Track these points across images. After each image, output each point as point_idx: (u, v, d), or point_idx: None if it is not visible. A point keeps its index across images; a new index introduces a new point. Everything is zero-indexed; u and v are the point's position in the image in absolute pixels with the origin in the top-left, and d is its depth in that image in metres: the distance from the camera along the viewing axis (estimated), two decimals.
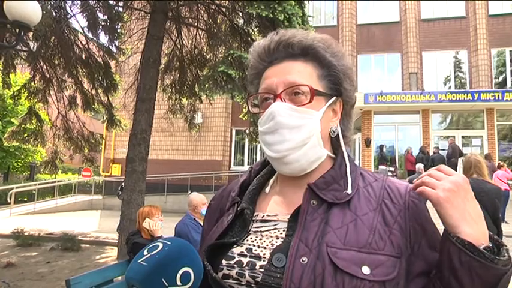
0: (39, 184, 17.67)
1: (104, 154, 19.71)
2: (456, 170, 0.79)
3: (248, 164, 18.64)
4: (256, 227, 0.85)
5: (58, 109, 9.92)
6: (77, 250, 8.46)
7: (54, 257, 7.90)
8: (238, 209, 0.88)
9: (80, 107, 9.94)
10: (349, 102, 0.93)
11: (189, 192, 4.62)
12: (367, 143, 16.16)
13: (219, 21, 8.60)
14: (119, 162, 18.45)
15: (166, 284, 0.69)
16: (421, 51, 17.44)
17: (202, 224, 4.18)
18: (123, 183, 7.39)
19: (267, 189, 0.93)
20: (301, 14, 6.96)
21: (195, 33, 9.35)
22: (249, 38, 7.83)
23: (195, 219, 4.22)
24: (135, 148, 6.99)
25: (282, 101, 0.84)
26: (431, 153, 14.26)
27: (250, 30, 7.75)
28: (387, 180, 0.87)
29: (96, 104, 9.83)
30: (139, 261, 0.72)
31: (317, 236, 0.75)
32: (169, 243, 0.74)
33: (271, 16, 6.26)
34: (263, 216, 0.86)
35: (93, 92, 9.72)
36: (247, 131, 9.52)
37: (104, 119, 10.09)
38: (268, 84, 0.87)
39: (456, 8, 17.47)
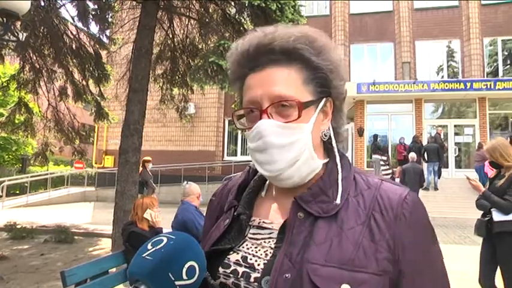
0: (31, 176, 17.51)
1: (97, 146, 19.59)
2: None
3: (241, 155, 18.65)
4: (252, 233, 0.83)
5: (48, 100, 9.79)
6: (71, 242, 8.43)
7: (47, 249, 7.86)
8: (235, 213, 0.86)
9: (71, 98, 9.83)
10: (339, 97, 0.86)
11: (185, 182, 4.66)
12: (360, 132, 16.21)
13: (211, 11, 8.51)
14: (112, 153, 18.34)
15: (173, 278, 0.67)
16: (413, 40, 17.44)
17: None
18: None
19: (263, 193, 0.90)
20: (293, 3, 6.90)
21: (186, 23, 9.26)
22: (241, 28, 7.77)
23: (196, 207, 4.30)
24: (128, 139, 6.95)
25: (268, 117, 0.78)
26: (424, 143, 14.38)
27: (243, 20, 7.68)
28: (381, 187, 0.80)
29: (87, 94, 9.73)
30: (143, 255, 0.69)
31: (301, 251, 0.72)
32: (173, 237, 0.72)
33: (263, 5, 6.20)
34: (259, 222, 0.84)
35: (84, 82, 9.60)
36: None
37: (92, 111, 9.98)
38: (252, 96, 0.80)
39: None
